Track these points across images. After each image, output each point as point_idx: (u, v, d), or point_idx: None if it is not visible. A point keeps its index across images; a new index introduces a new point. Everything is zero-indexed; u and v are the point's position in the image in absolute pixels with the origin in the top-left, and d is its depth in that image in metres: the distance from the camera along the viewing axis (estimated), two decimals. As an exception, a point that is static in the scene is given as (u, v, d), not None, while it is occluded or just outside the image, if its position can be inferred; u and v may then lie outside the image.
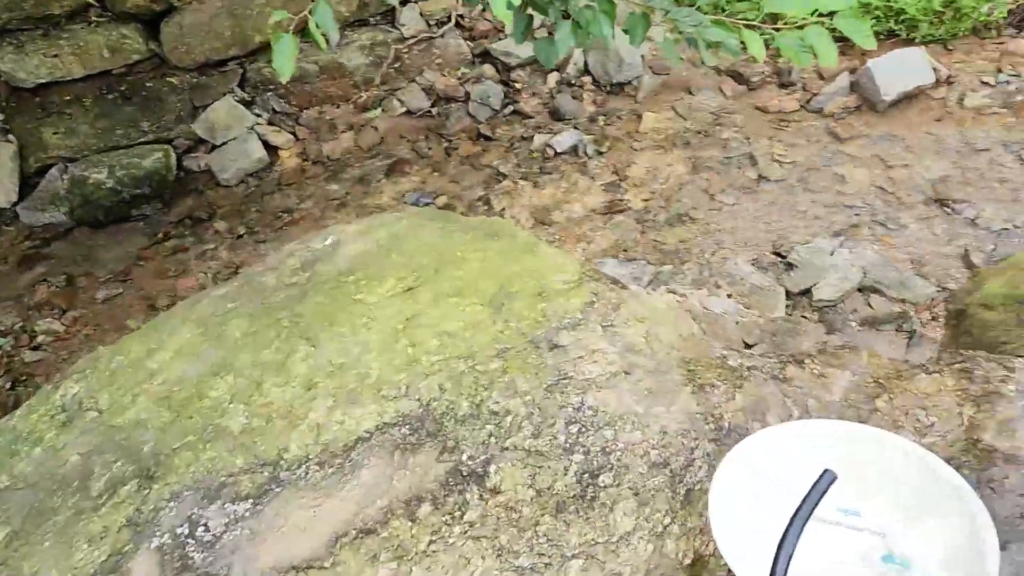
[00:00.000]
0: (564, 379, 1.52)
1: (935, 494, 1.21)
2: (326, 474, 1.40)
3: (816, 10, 2.13)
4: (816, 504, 1.00)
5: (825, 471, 1.04)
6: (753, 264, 3.75)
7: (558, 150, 4.62)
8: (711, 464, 1.38)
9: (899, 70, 4.27)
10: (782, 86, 4.61)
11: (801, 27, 2.14)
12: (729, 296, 3.57)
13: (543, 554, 1.27)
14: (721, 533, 1.16)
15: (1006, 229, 3.66)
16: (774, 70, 4.68)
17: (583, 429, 1.43)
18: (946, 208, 3.85)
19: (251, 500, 1.37)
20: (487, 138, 4.82)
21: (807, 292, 3.53)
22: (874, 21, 4.49)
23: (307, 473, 1.40)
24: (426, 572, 1.27)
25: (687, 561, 1.28)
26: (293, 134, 4.87)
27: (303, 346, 1.65)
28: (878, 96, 4.28)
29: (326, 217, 4.38)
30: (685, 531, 1.30)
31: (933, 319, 3.33)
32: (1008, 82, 4.26)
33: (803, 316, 3.45)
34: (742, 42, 2.21)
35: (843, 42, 2.19)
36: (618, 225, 4.18)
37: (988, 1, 4.43)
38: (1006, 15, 4.45)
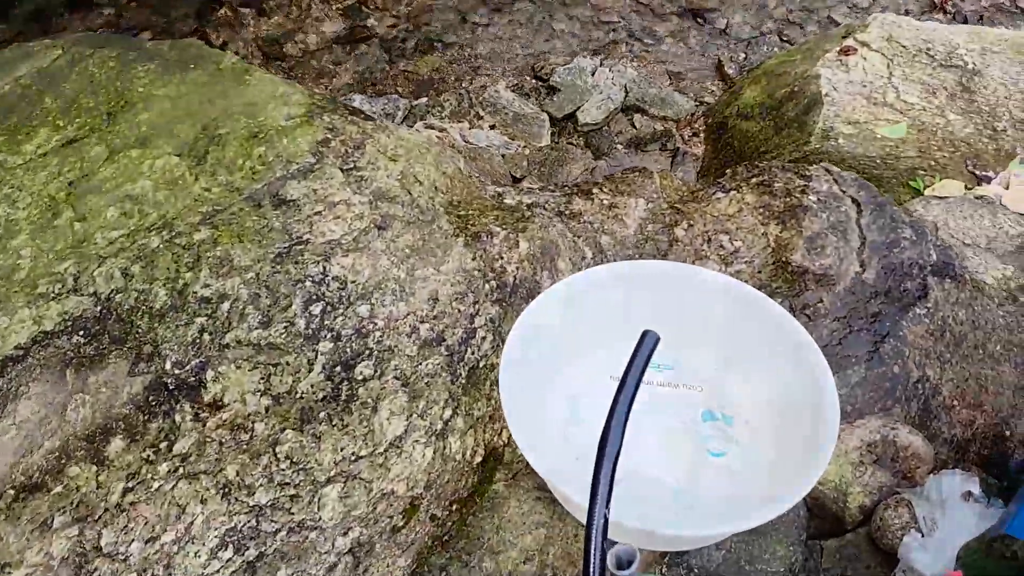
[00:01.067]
0: (298, 244, 1.15)
1: (755, 333, 1.01)
2: (-47, 423, 0.96)
3: None
4: (639, 377, 0.75)
5: (646, 333, 0.78)
6: (514, 91, 3.45)
7: (284, -30, 3.94)
8: (498, 332, 1.10)
9: None
10: None
11: None
12: (492, 127, 3.27)
13: (287, 483, 0.94)
14: (516, 419, 0.90)
15: (755, 37, 3.63)
16: None
17: (329, 308, 1.08)
18: (698, 19, 3.74)
19: None
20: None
21: (571, 116, 3.31)
22: None
23: (-78, 426, 0.95)
24: (122, 534, 0.90)
25: (477, 459, 1.01)
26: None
27: (-96, 238, 1.13)
28: (627, -101, 3.98)
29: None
30: (472, 422, 1.03)
31: (694, 135, 3.26)
32: None
33: (569, 143, 3.25)
34: None
35: None
36: (363, 56, 3.68)
37: None
38: None
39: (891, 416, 1.03)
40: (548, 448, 0.98)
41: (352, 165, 1.26)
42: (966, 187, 2.53)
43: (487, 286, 1.13)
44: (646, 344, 0.74)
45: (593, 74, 3.45)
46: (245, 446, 0.97)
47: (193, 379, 1.02)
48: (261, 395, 1.01)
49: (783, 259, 1.21)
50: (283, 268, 1.12)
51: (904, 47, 2.68)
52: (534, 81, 3.53)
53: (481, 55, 3.67)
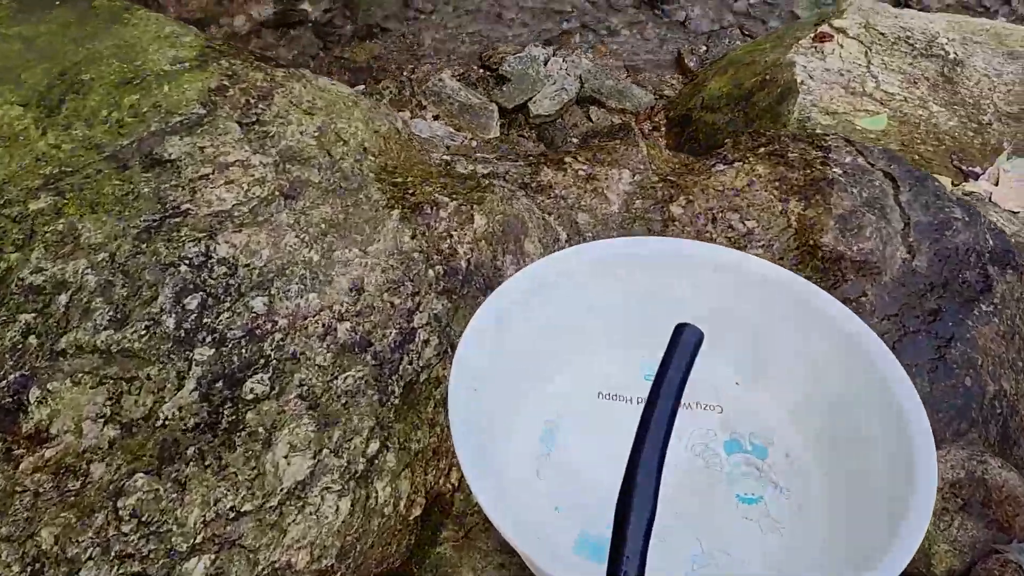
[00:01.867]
0: (173, 216, 0.84)
1: (798, 335, 0.75)
2: None
3: None
4: (677, 396, 0.47)
5: (682, 328, 0.50)
6: (461, 80, 3.17)
7: (208, -52, 3.60)
8: (445, 334, 0.81)
9: None
10: None
11: None
12: (436, 118, 2.99)
13: (131, 555, 0.64)
14: (471, 454, 0.61)
15: (715, 30, 3.42)
16: None
17: (211, 301, 0.78)
18: (656, 11, 3.51)
19: None
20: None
21: (523, 108, 3.05)
22: None
23: None
24: None
25: (415, 512, 0.71)
26: None
27: None
28: None
29: None
30: (408, 460, 0.73)
31: (655, 128, 3.02)
32: None
33: (520, 135, 2.98)
34: None
35: None
36: (295, 40, 3.35)
37: None
38: None
39: (974, 445, 0.77)
40: (516, 495, 0.69)
41: (254, 119, 0.96)
42: (953, 183, 2.34)
43: (431, 272, 0.84)
44: (683, 344, 0.46)
45: (546, 64, 3.19)
46: (73, 498, 0.66)
47: (9, 400, 0.71)
48: (105, 422, 0.70)
49: (810, 242, 0.95)
50: (150, 248, 0.81)
51: (883, 34, 2.49)
52: (482, 70, 3.25)
53: (425, 43, 3.38)
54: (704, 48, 3.35)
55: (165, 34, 1.10)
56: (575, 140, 3.04)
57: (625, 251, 0.77)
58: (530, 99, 3.08)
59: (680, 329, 0.49)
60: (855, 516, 0.66)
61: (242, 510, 0.66)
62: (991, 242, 0.99)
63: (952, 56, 2.49)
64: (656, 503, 0.44)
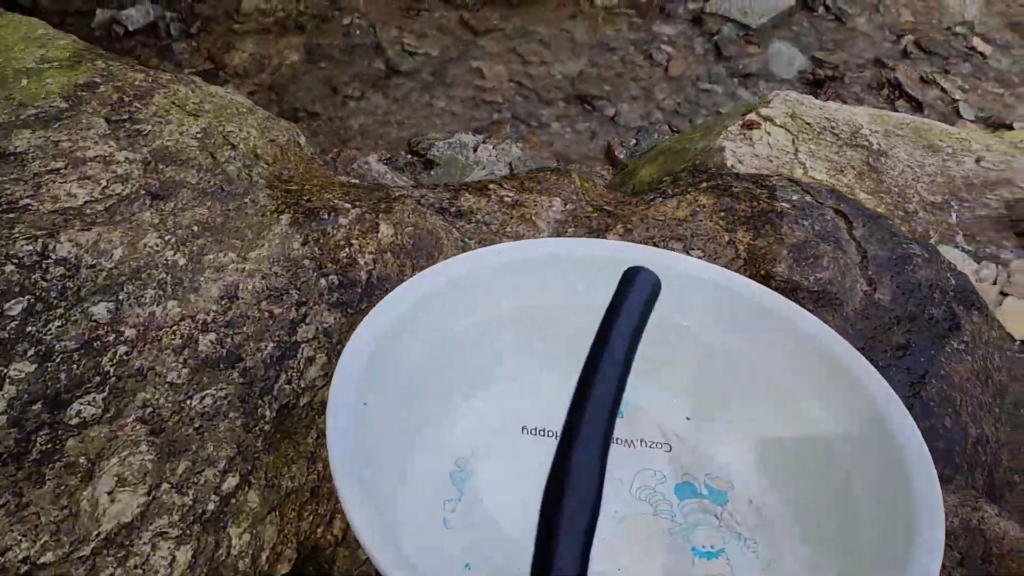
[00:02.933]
0: (8, 212, 0.68)
1: (765, 357, 0.63)
2: None
3: None
4: (629, 353, 0.33)
5: (634, 272, 0.38)
6: (387, 163, 3.09)
7: (130, 28, 3.51)
8: (336, 352, 0.66)
9: (532, -40, 3.89)
10: (409, -30, 3.99)
11: None
12: (360, 198, 2.88)
13: None
14: (359, 497, 0.46)
15: (643, 125, 3.45)
16: (399, -48, 4.04)
17: (40, 306, 0.62)
18: (586, 105, 3.55)
19: None
20: (25, 9, 3.53)
21: (451, 192, 2.98)
22: (504, -93, 4.05)
23: None
24: None
25: (282, 568, 0.54)
26: None
27: None
28: (512, -13, 3.85)
29: None
30: (277, 500, 0.57)
31: (585, 217, 2.98)
32: (634, -16, 4.10)
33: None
34: None
35: None
36: (215, 120, 3.24)
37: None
38: (628, -83, 4.30)
39: (966, 491, 0.65)
40: (417, 548, 0.53)
41: (126, 116, 0.82)
42: (884, 269, 2.33)
43: (323, 282, 0.69)
44: (637, 290, 0.33)
45: (475, 150, 3.14)
46: None
47: None
48: None
49: (762, 272, 0.84)
50: (-31, 242, 0.65)
51: (808, 124, 2.52)
52: (410, 155, 3.18)
53: (352, 128, 3.31)
54: (634, 142, 3.37)
55: (36, 35, 0.97)
56: (504, 224, 2.96)
57: (560, 252, 0.64)
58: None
59: (631, 274, 0.37)
60: (834, 560, 0.53)
61: (39, 561, 0.48)
62: (953, 281, 0.90)
63: (876, 147, 2.53)
64: (600, 496, 0.30)
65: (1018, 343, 2.37)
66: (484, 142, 3.28)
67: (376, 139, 3.31)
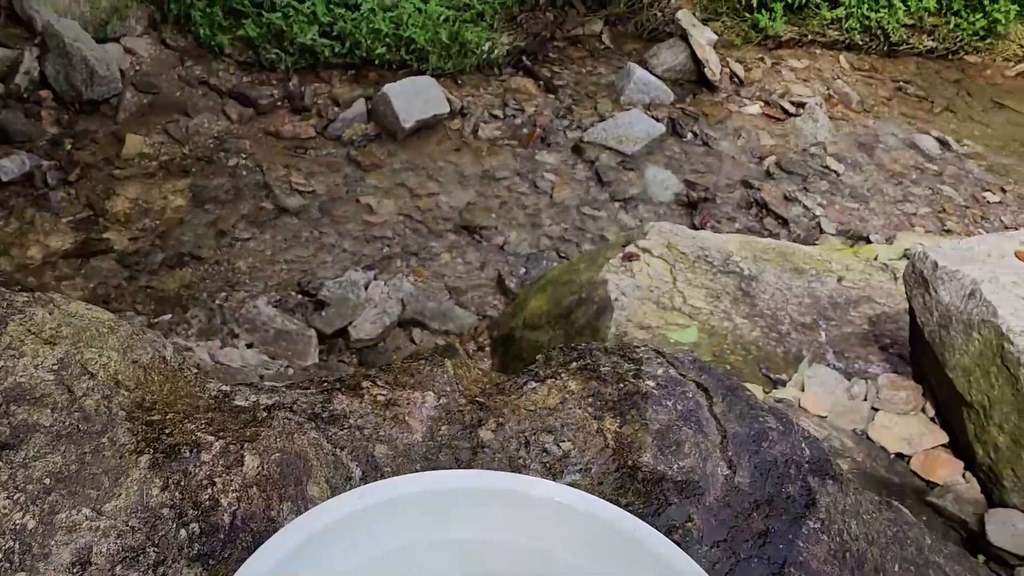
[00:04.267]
0: None
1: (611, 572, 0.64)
2: None
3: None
4: None
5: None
6: (278, 306, 3.07)
7: (4, 179, 3.44)
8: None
9: (415, 98, 4.04)
10: (295, 111, 4.08)
11: None
12: (250, 346, 2.83)
13: None
14: None
15: (532, 253, 3.56)
16: (284, 93, 4.13)
17: None
18: (475, 236, 3.64)
19: None
20: None
21: (343, 332, 2.96)
22: (384, 49, 4.23)
23: None
24: None
25: None
26: None
27: None
28: (397, 124, 3.98)
29: None
30: None
31: (479, 348, 3.00)
32: (514, 116, 4.31)
33: (340, 360, 2.86)
34: None
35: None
36: (96, 271, 3.16)
37: (489, 40, 4.49)
38: (505, 54, 4.55)
39: None
40: None
41: (-24, 351, 0.80)
42: (764, 391, 2.43)
43: (183, 532, 0.68)
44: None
45: (367, 288, 3.16)
46: None
47: None
48: None
49: (629, 463, 0.87)
50: None
51: (684, 253, 2.66)
52: (300, 296, 3.17)
53: (240, 270, 3.28)
54: (523, 270, 3.47)
55: None
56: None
57: (417, 488, 0.65)
58: (350, 323, 3.00)
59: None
60: None
61: None
62: (807, 451, 0.96)
63: (747, 272, 2.68)
64: None
65: (892, 455, 2.47)
66: (375, 279, 3.32)
67: (265, 280, 3.28)
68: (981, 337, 1.90)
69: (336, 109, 4.10)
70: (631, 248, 2.67)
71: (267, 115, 4.05)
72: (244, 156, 3.83)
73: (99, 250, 3.29)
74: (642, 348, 1.09)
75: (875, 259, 3.11)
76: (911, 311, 2.16)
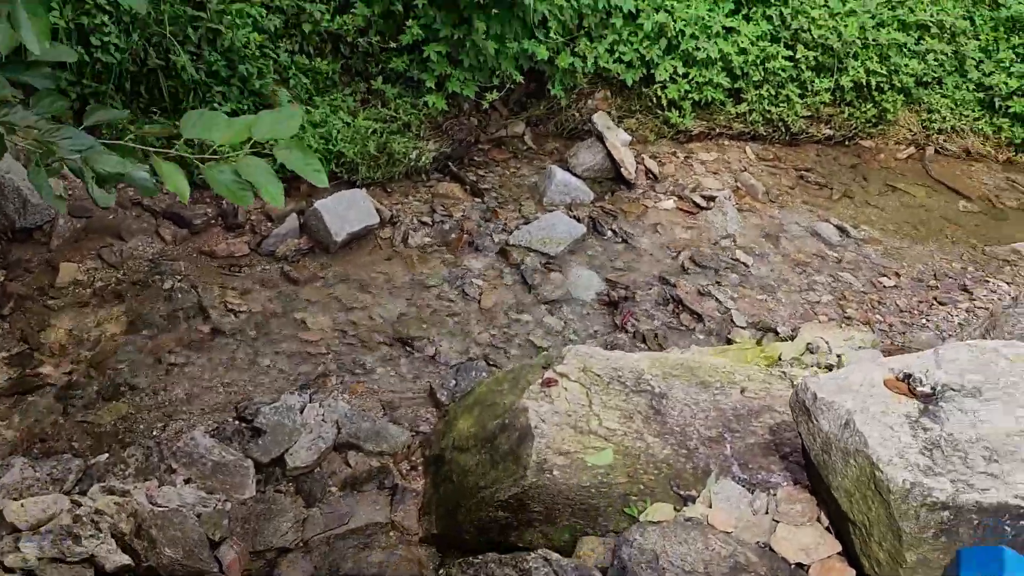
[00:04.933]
0: None
1: None
2: None
3: (250, 139, 1.76)
4: None
5: None
6: (215, 435, 3.15)
7: (-65, 318, 3.48)
8: None
9: (347, 211, 4.21)
10: (228, 228, 4.20)
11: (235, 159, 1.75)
12: (188, 482, 2.91)
13: None
14: None
15: (462, 362, 3.72)
16: (218, 211, 4.26)
17: None
18: (407, 347, 3.79)
19: None
20: None
21: (279, 460, 3.06)
22: (315, 163, 4.40)
23: None
24: None
25: None
26: None
27: None
28: (330, 238, 4.13)
29: None
30: None
31: (412, 468, 3.13)
32: (443, 221, 4.50)
33: (277, 491, 2.96)
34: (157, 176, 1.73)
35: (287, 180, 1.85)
36: (31, 408, 3.22)
37: (416, 148, 4.70)
38: (431, 160, 4.76)
39: None
40: None
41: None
42: (675, 508, 2.60)
43: None
44: None
45: (302, 411, 3.27)
46: None
47: None
48: None
49: None
50: None
51: (599, 376, 2.85)
52: (237, 422, 3.26)
53: (177, 398, 3.37)
54: (454, 382, 3.62)
55: None
56: (335, 488, 3.08)
57: None
58: (287, 451, 3.11)
59: None
60: None
61: None
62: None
63: (657, 390, 2.89)
64: None
65: (792, 565, 2.68)
66: (311, 400, 3.44)
67: (202, 407, 3.38)
68: (856, 464, 2.12)
69: (269, 224, 4.24)
70: (549, 374, 2.86)
71: (201, 234, 4.17)
72: (179, 277, 3.93)
73: (35, 386, 3.34)
74: (532, 556, 1.26)
75: (779, 359, 3.35)
76: (799, 435, 2.38)
